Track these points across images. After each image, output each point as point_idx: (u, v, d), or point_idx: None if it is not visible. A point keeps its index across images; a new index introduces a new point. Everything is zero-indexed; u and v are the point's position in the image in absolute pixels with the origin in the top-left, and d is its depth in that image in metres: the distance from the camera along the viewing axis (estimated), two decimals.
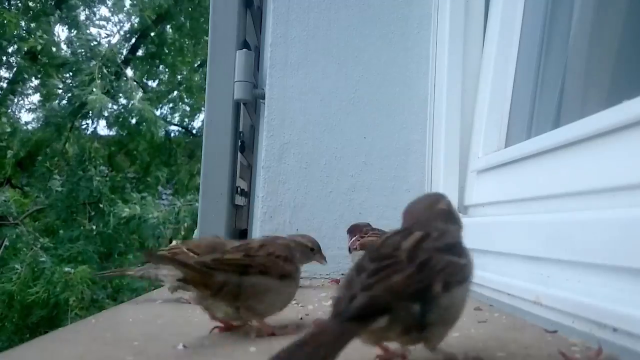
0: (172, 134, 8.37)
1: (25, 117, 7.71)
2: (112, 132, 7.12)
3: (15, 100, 7.44)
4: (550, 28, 1.54)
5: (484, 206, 1.63)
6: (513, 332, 0.96)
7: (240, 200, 2.41)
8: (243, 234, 2.46)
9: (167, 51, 7.72)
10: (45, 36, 6.89)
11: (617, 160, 0.93)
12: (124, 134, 6.87)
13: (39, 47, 6.90)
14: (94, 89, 5.83)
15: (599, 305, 0.84)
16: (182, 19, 7.39)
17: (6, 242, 5.70)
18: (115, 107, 6.64)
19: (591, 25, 1.37)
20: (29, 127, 7.31)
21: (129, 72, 7.32)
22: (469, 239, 0.88)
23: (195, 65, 8.32)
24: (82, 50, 6.65)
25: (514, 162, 1.40)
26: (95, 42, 6.76)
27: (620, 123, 0.91)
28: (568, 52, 1.45)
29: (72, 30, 7.03)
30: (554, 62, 1.51)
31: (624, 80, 1.21)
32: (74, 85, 6.40)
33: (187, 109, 8.75)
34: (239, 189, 2.33)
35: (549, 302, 0.99)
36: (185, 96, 8.59)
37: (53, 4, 7.15)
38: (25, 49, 6.85)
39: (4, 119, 6.96)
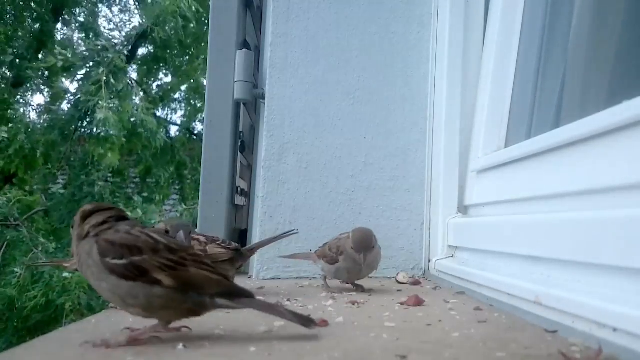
0: (174, 135, 8.37)
1: (31, 116, 7.73)
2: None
3: (19, 98, 7.45)
4: (550, 28, 1.54)
5: (484, 206, 1.63)
6: (513, 332, 0.96)
7: (240, 200, 2.41)
8: (243, 234, 2.46)
9: (168, 52, 7.72)
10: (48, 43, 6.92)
11: (617, 160, 0.93)
12: (125, 136, 6.86)
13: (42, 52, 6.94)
14: (100, 101, 5.85)
15: (599, 305, 0.84)
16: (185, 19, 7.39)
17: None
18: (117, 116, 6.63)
19: (591, 25, 1.37)
20: (32, 126, 7.31)
21: (131, 74, 7.33)
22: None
23: (198, 64, 8.31)
24: (88, 54, 6.66)
25: (514, 162, 1.40)
26: (102, 48, 6.75)
27: (620, 123, 0.91)
28: (568, 52, 1.45)
29: (80, 34, 7.06)
30: (554, 62, 1.51)
31: (624, 80, 1.21)
32: (82, 91, 6.39)
33: (189, 109, 8.75)
34: (239, 189, 2.33)
35: (549, 302, 0.99)
36: (187, 96, 8.59)
37: (51, 8, 7.17)
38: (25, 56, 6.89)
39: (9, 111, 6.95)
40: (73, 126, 6.57)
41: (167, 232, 1.41)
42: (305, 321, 0.89)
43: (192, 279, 0.87)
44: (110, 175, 6.74)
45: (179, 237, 1.37)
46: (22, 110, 7.56)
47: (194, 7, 6.65)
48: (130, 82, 6.73)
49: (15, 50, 7.03)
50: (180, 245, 0.93)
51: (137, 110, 6.44)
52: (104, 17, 7.84)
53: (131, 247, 0.87)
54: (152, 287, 0.85)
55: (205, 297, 0.88)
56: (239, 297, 0.90)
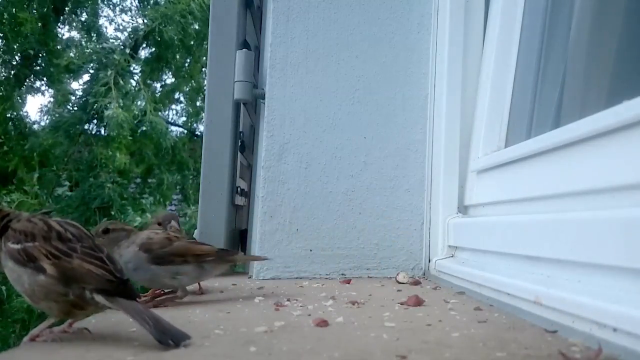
0: (176, 135, 8.37)
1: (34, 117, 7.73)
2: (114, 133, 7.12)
3: (23, 99, 7.46)
4: (551, 28, 1.54)
5: (484, 206, 1.63)
6: (513, 332, 0.96)
7: (240, 200, 2.41)
8: (243, 234, 2.46)
9: (170, 52, 7.71)
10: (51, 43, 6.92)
11: (617, 160, 0.93)
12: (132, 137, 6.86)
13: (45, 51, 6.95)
14: (111, 102, 5.86)
15: (599, 305, 0.84)
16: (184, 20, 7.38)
17: None
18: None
19: (591, 25, 1.37)
20: (35, 127, 7.32)
21: (136, 75, 7.32)
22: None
23: (199, 66, 8.31)
24: (95, 56, 6.68)
25: (514, 162, 1.40)
26: (107, 50, 6.76)
27: (620, 123, 0.91)
28: (568, 52, 1.45)
29: (84, 36, 7.07)
30: (554, 62, 1.51)
31: (624, 80, 1.21)
32: (89, 92, 6.37)
33: (191, 110, 8.75)
34: (239, 189, 2.33)
35: (549, 302, 0.99)
36: (189, 97, 8.59)
37: (52, 8, 7.18)
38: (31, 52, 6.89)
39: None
40: (79, 127, 6.54)
41: (159, 224, 1.48)
42: (163, 337, 0.83)
43: (73, 271, 0.87)
44: (119, 177, 6.72)
45: (173, 226, 1.44)
46: (25, 110, 7.59)
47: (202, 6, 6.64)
48: (137, 84, 6.73)
49: (19, 50, 7.04)
50: (78, 236, 0.93)
51: (144, 111, 6.44)
52: (105, 17, 7.84)
53: (27, 233, 0.91)
54: (38, 274, 0.87)
55: (85, 292, 0.88)
56: (117, 296, 0.88)
